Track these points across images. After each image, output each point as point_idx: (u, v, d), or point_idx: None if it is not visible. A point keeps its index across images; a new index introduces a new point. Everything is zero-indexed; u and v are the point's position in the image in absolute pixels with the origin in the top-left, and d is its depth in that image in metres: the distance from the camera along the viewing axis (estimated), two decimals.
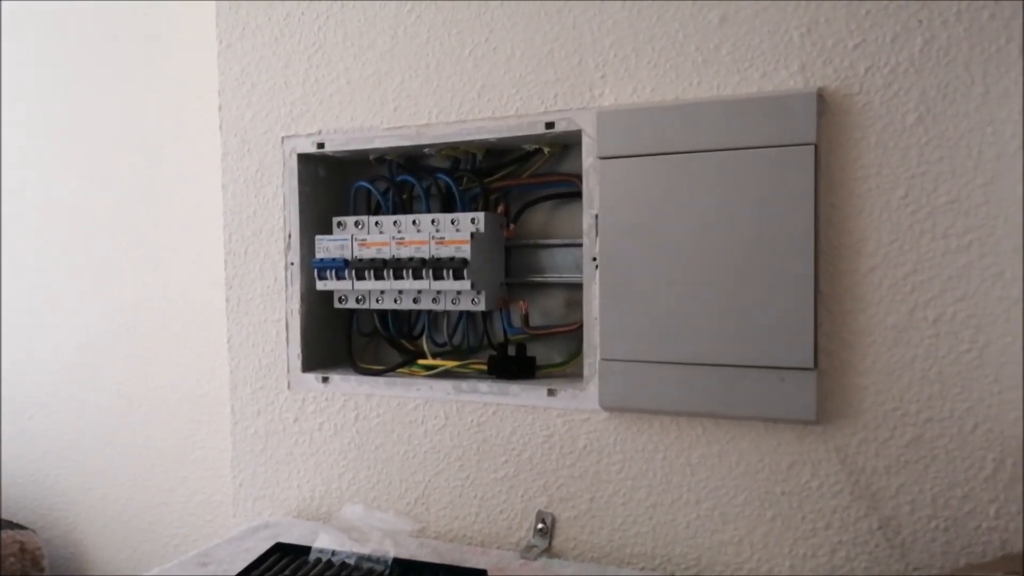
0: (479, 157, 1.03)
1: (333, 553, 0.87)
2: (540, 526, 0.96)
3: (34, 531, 1.48)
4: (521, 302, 1.00)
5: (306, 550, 0.89)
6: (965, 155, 0.76)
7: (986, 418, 0.76)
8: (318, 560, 0.87)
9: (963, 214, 0.76)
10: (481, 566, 0.87)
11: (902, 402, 0.79)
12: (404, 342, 1.08)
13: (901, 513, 0.80)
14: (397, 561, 0.85)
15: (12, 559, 1.40)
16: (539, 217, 1.03)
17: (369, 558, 0.86)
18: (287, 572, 0.86)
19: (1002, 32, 0.74)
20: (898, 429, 0.79)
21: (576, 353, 0.97)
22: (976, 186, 0.76)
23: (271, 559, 0.89)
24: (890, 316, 0.79)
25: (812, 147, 0.79)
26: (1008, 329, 0.75)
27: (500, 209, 1.03)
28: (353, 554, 0.87)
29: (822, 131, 0.80)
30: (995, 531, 0.77)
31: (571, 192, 0.99)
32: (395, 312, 1.07)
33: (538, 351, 1.02)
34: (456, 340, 1.06)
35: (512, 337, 1.03)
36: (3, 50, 1.54)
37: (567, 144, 0.99)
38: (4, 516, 1.54)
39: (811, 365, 0.80)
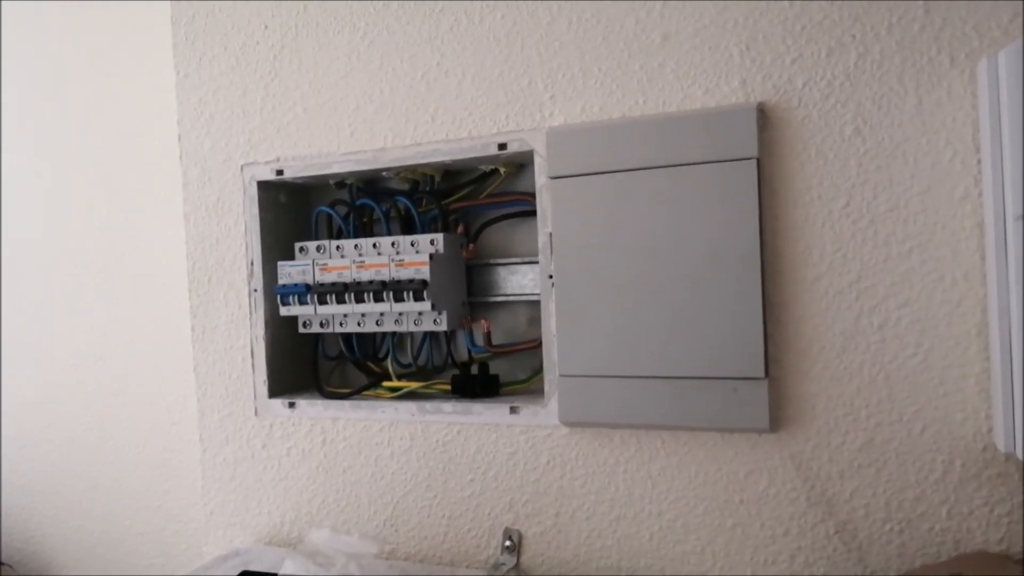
0: (437, 179, 1.04)
1: None
2: (507, 543, 0.96)
3: (11, 566, 1.47)
4: (483, 320, 1.01)
5: None
6: (902, 164, 0.78)
7: (933, 420, 0.78)
8: None
9: (903, 221, 0.78)
10: None
11: (852, 407, 0.80)
12: (370, 364, 1.09)
13: (856, 517, 0.81)
14: None
15: None
16: (498, 236, 1.04)
17: None
18: None
19: (932, 43, 0.76)
20: (849, 434, 0.81)
21: (538, 370, 0.98)
22: (914, 194, 0.77)
23: None
24: (837, 323, 0.81)
25: (755, 161, 0.81)
26: (951, 332, 0.77)
27: (459, 229, 1.04)
28: None
29: (764, 145, 0.82)
30: (948, 532, 0.78)
31: (528, 211, 1.00)
32: (360, 335, 1.07)
33: (502, 369, 1.03)
34: (420, 360, 1.06)
35: (475, 356, 1.04)
36: None
37: (522, 164, 1.00)
38: None
39: (762, 374, 0.81)
